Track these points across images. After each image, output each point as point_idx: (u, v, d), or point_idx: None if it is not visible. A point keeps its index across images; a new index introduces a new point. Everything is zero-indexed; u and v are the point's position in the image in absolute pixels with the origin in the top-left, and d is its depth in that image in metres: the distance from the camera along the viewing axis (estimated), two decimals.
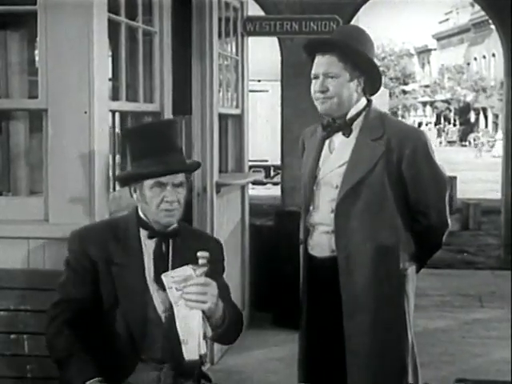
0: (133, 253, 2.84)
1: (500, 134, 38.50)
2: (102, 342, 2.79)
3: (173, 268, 2.76)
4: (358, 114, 3.25)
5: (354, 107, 3.24)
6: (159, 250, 2.85)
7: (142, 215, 2.88)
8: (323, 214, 3.26)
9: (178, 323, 2.65)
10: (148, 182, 2.81)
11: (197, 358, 2.66)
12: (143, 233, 2.87)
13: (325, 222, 3.25)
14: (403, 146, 3.16)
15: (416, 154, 3.18)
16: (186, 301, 2.62)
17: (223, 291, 2.82)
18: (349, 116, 3.24)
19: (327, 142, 3.31)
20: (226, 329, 2.77)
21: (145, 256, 2.85)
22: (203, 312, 2.65)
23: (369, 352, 3.21)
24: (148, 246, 2.86)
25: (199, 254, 2.64)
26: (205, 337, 2.70)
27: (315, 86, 3.22)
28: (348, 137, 3.25)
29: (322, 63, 3.21)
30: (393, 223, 3.21)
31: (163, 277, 2.69)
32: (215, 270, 2.83)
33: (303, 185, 3.38)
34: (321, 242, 3.29)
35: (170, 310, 2.74)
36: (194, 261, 2.69)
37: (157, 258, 2.84)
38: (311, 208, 3.30)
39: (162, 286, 2.74)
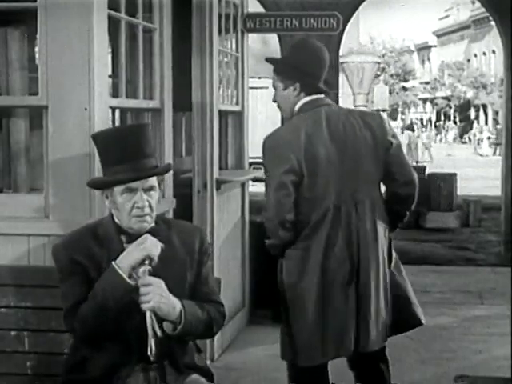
0: (117, 258, 2.77)
1: (486, 133, 38.52)
2: (100, 347, 2.80)
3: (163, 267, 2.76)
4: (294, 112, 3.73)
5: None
6: None
7: (117, 221, 2.86)
8: None
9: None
10: (118, 189, 2.78)
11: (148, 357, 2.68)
12: (123, 237, 2.84)
13: None
14: None
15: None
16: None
17: (210, 283, 2.92)
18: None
19: None
20: (188, 327, 2.75)
21: None
22: (154, 312, 2.66)
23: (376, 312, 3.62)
24: None
25: None
26: (155, 336, 2.66)
27: None
28: None
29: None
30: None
31: None
32: (201, 261, 2.89)
33: None
34: None
35: None
36: (180, 255, 2.81)
37: None
38: None
39: None
